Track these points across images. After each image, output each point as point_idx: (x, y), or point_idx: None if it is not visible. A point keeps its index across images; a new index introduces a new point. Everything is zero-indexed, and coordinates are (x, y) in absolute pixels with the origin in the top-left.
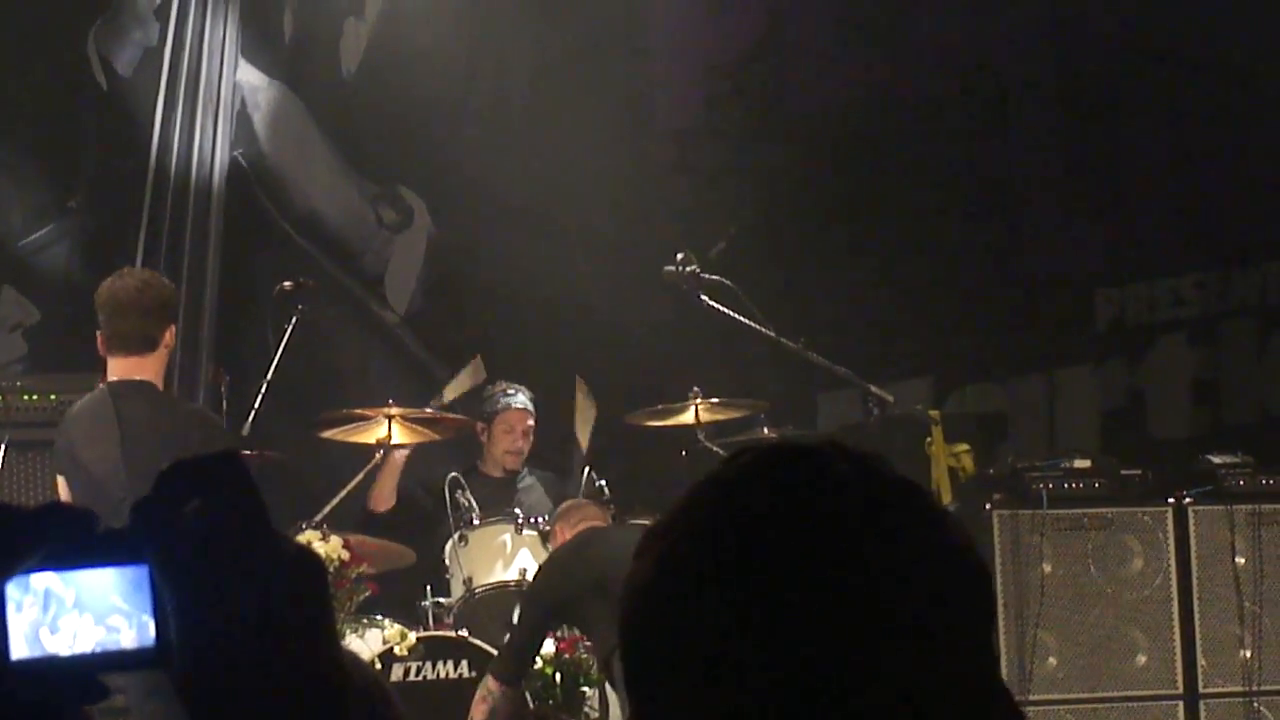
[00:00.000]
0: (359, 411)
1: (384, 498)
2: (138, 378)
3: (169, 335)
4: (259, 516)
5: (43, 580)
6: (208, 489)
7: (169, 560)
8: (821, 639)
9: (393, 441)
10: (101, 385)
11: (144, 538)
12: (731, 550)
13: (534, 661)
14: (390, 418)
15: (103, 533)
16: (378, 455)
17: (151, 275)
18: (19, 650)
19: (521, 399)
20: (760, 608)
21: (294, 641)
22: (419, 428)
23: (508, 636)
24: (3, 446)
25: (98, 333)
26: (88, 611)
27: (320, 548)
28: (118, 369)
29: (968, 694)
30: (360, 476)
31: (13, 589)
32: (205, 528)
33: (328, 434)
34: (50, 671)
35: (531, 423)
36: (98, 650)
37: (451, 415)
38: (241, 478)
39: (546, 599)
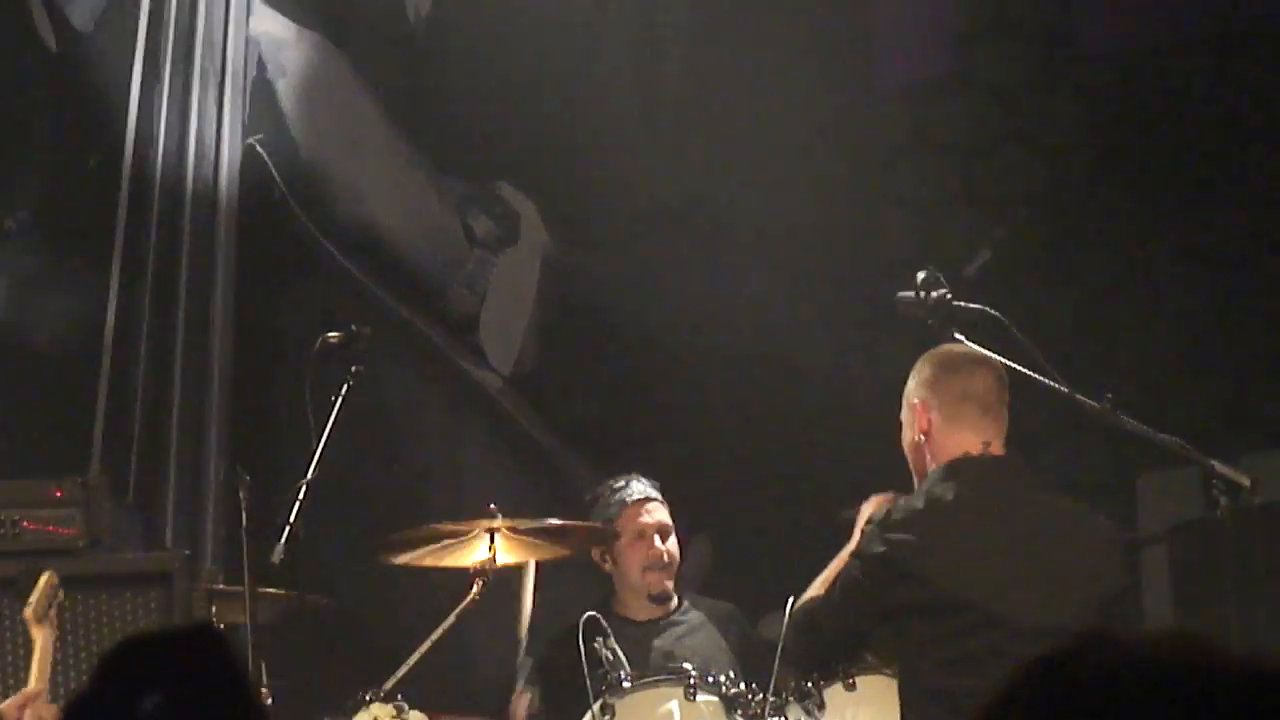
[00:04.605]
0: (447, 527)
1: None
2: None
3: None
4: (245, 717)
5: None
6: (172, 678)
7: None
8: None
9: (498, 563)
10: None
11: None
12: None
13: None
14: (493, 531)
15: None
16: (476, 586)
17: None
18: None
19: (640, 486)
20: None
21: None
22: (537, 542)
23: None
24: None
25: None
26: None
27: None
28: None
29: None
30: (451, 619)
31: None
32: None
33: (402, 559)
34: None
35: (667, 517)
36: None
37: (584, 524)
38: (221, 661)
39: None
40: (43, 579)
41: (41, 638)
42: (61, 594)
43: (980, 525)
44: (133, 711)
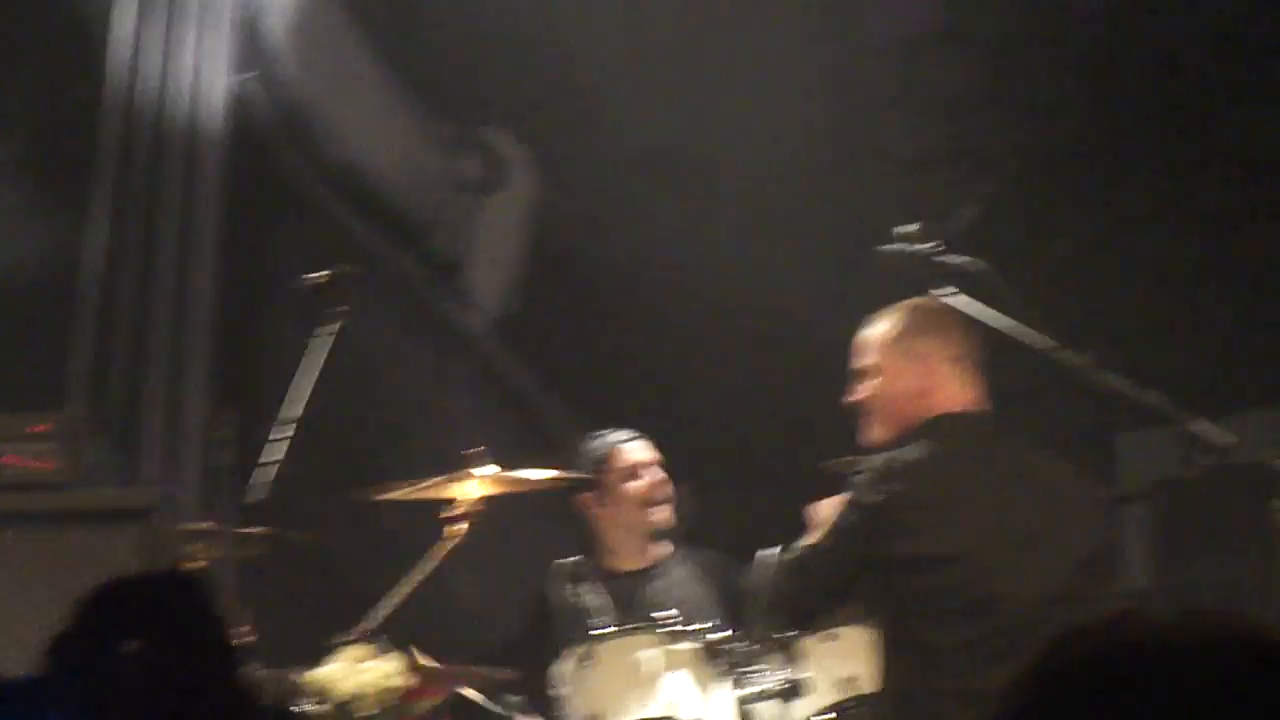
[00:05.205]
0: (430, 483)
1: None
2: None
3: None
4: (223, 661)
5: None
6: (152, 622)
7: None
8: None
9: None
10: None
11: (59, 692)
12: None
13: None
14: (476, 477)
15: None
16: (459, 527)
17: None
18: None
19: (618, 432)
20: None
21: None
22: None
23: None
24: None
25: None
26: None
27: (374, 669)
28: None
29: None
30: (434, 560)
31: None
32: (147, 678)
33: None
34: None
35: (653, 453)
36: None
37: (574, 473)
38: (196, 605)
39: (864, 546)
40: None
41: None
42: None
43: (971, 481)
44: (114, 653)
